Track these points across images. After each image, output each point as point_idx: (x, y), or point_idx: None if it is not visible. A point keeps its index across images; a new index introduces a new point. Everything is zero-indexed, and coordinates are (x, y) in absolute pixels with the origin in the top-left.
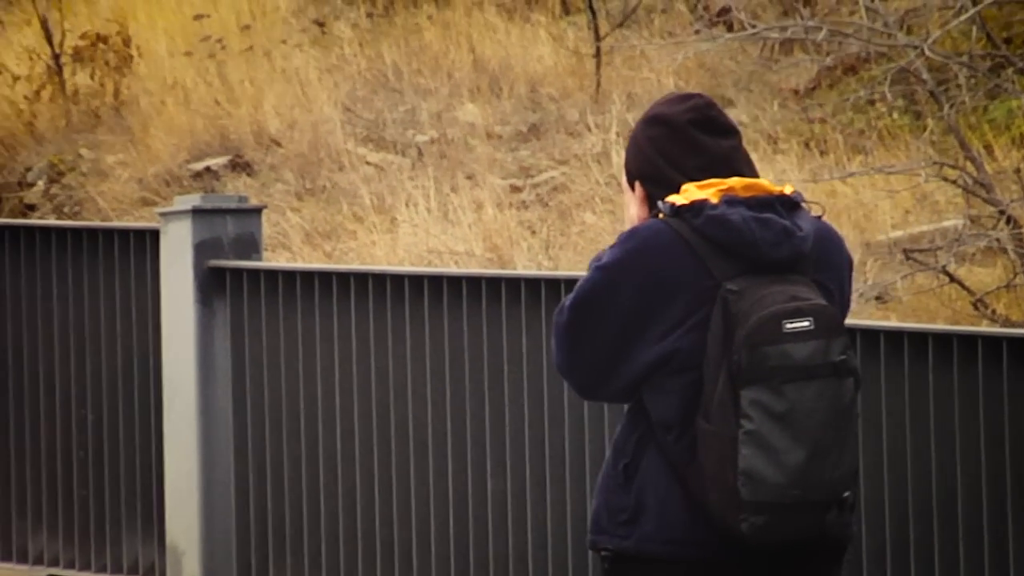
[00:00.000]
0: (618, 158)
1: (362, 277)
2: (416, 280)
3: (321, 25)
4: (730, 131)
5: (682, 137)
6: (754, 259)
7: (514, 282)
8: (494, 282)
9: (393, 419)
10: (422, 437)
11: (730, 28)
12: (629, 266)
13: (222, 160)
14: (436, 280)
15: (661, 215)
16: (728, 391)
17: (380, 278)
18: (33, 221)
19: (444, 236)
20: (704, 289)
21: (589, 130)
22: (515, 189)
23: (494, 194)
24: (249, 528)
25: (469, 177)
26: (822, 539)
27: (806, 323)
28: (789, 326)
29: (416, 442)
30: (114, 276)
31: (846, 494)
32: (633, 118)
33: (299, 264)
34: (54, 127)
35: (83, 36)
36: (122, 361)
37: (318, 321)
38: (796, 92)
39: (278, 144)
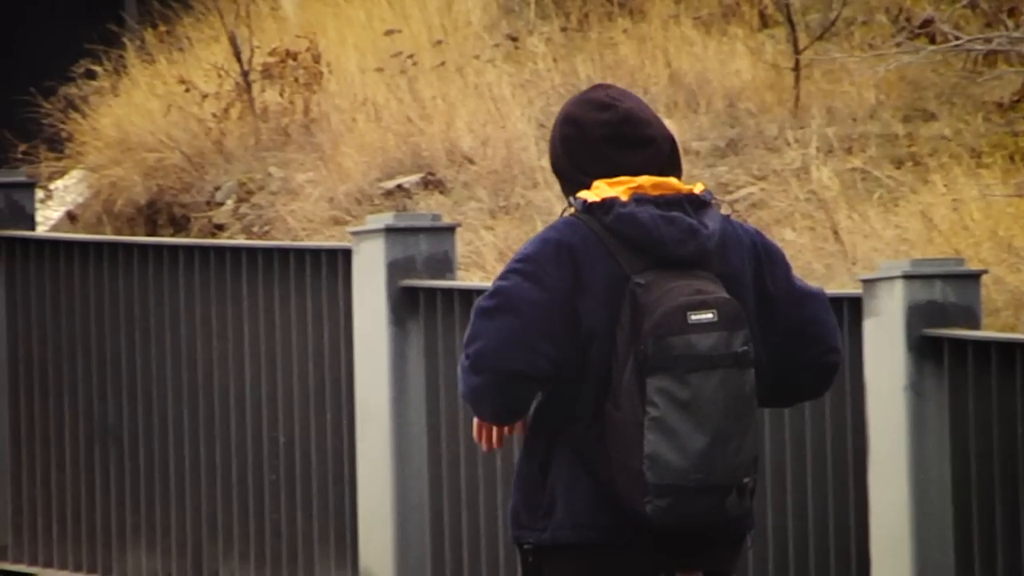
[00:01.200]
0: (818, 173)
1: None
2: None
3: (514, 40)
4: (645, 143)
5: (593, 149)
6: (661, 255)
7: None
8: None
9: None
10: None
11: (932, 40)
12: (551, 255)
13: (414, 178)
14: None
15: (573, 210)
16: (635, 379)
17: None
18: (223, 241)
19: None
20: (615, 281)
21: (788, 145)
22: None
23: None
24: (444, 553)
25: None
26: (723, 524)
27: (710, 315)
28: (694, 318)
29: None
30: (305, 297)
31: (746, 480)
32: (834, 132)
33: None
34: (243, 145)
35: (272, 53)
36: (314, 383)
37: None
38: (1000, 105)
39: (471, 161)
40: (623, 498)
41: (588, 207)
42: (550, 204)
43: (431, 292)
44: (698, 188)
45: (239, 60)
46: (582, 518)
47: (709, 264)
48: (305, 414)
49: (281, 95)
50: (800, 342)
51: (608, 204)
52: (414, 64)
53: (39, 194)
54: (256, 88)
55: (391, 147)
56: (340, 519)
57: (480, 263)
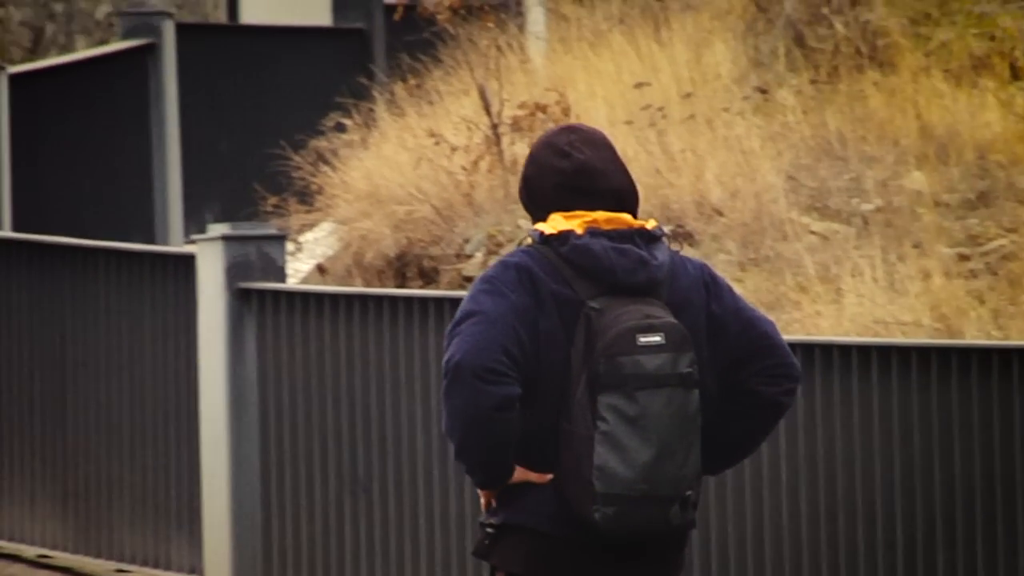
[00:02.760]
0: None
1: (808, 348)
2: (864, 351)
3: (764, 92)
4: (598, 195)
5: (549, 191)
6: (612, 283)
7: (964, 352)
8: (943, 352)
9: (841, 490)
10: (870, 510)
11: None
12: (511, 277)
13: (664, 230)
14: (884, 351)
15: (531, 241)
16: (587, 396)
17: (827, 349)
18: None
19: (891, 306)
20: (570, 305)
21: None
22: (963, 258)
23: (942, 263)
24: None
25: (916, 246)
26: (666, 532)
27: (657, 338)
28: (643, 340)
29: (865, 510)
30: None
31: (688, 492)
32: None
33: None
34: (492, 198)
35: (522, 106)
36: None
37: None
38: None
39: (720, 213)
40: (574, 505)
41: (545, 239)
42: (799, 256)
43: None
44: (650, 224)
45: (489, 113)
46: (538, 507)
47: (658, 292)
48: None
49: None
50: (751, 359)
51: (564, 236)
52: (663, 117)
53: (289, 247)
54: (506, 140)
55: (641, 199)
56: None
57: None
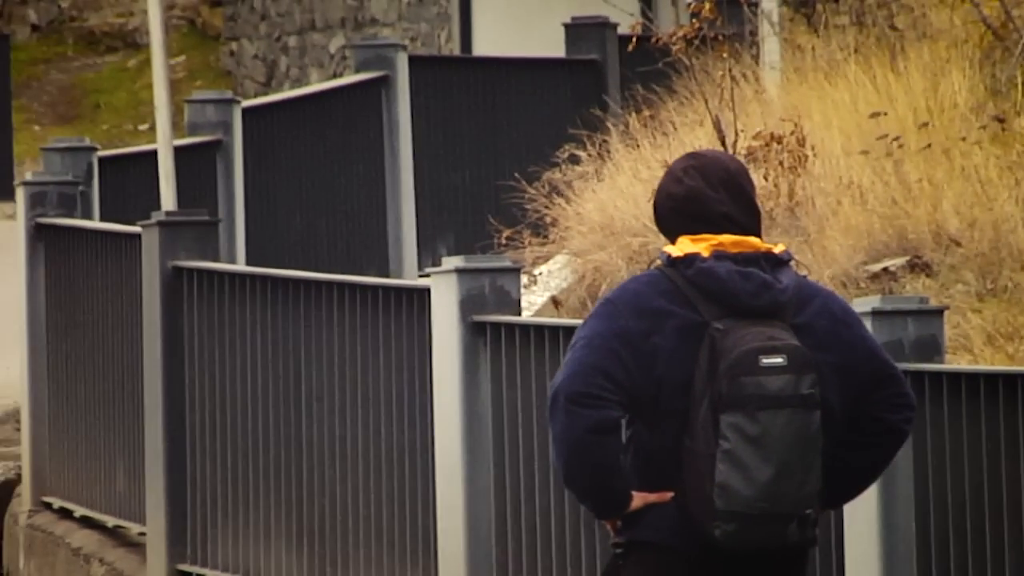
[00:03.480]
0: None
1: None
2: None
3: (1001, 121)
4: (708, 219)
5: (668, 215)
6: (736, 305)
7: None
8: None
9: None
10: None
11: None
12: (630, 300)
13: (900, 261)
14: None
15: (659, 263)
16: (710, 415)
17: None
18: None
19: None
20: (695, 327)
21: None
22: None
23: None
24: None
25: None
26: (784, 548)
27: (780, 359)
28: (765, 361)
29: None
30: None
31: (808, 511)
32: None
33: (980, 367)
34: None
35: (757, 136)
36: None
37: (999, 425)
38: None
39: (958, 244)
40: (695, 521)
41: (672, 261)
42: None
43: (918, 376)
44: (778, 248)
45: (724, 144)
46: (662, 522)
47: (783, 315)
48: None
49: (765, 178)
50: (875, 387)
51: (689, 259)
52: (900, 146)
53: (524, 279)
54: None
55: (876, 230)
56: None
57: (967, 346)
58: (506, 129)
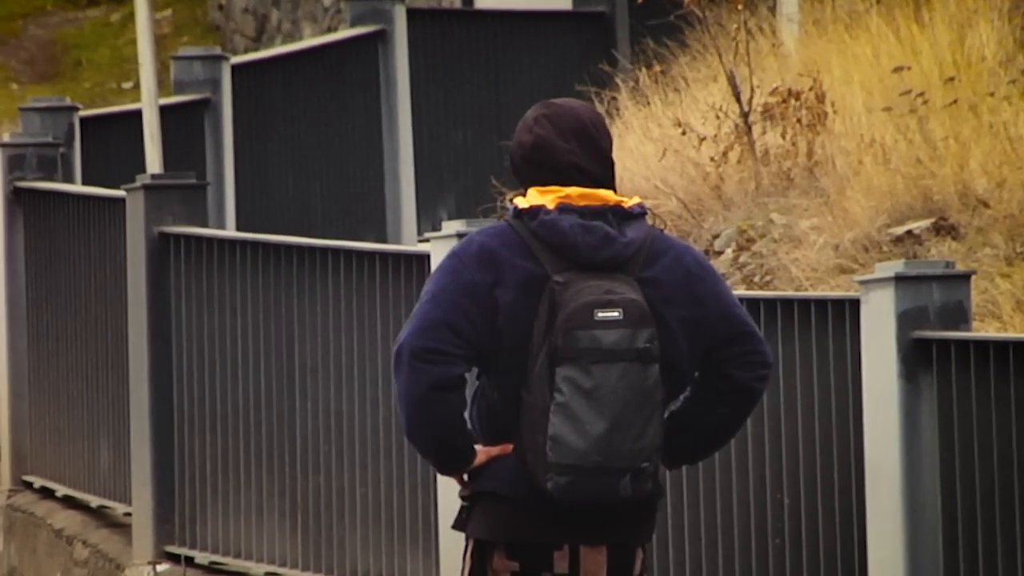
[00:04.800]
0: None
1: None
2: None
3: None
4: (557, 169)
5: (519, 163)
6: (577, 259)
7: None
8: None
9: None
10: None
11: None
12: (475, 252)
13: (925, 223)
14: None
15: (506, 216)
16: (546, 368)
17: None
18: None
19: None
20: (536, 279)
21: None
22: None
23: None
24: None
25: None
26: (616, 502)
27: (615, 313)
28: (600, 315)
29: None
30: (811, 350)
31: (644, 464)
32: None
33: (1009, 335)
34: (743, 191)
35: (773, 92)
36: (820, 440)
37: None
38: None
39: (986, 205)
40: (531, 474)
41: (518, 213)
42: None
43: (944, 344)
44: (630, 201)
45: (739, 101)
46: (499, 472)
47: (628, 269)
48: (811, 472)
49: (783, 137)
50: (727, 344)
51: (534, 211)
52: (924, 103)
53: None
54: (757, 130)
55: (900, 191)
56: None
57: (996, 313)
58: (510, 86)
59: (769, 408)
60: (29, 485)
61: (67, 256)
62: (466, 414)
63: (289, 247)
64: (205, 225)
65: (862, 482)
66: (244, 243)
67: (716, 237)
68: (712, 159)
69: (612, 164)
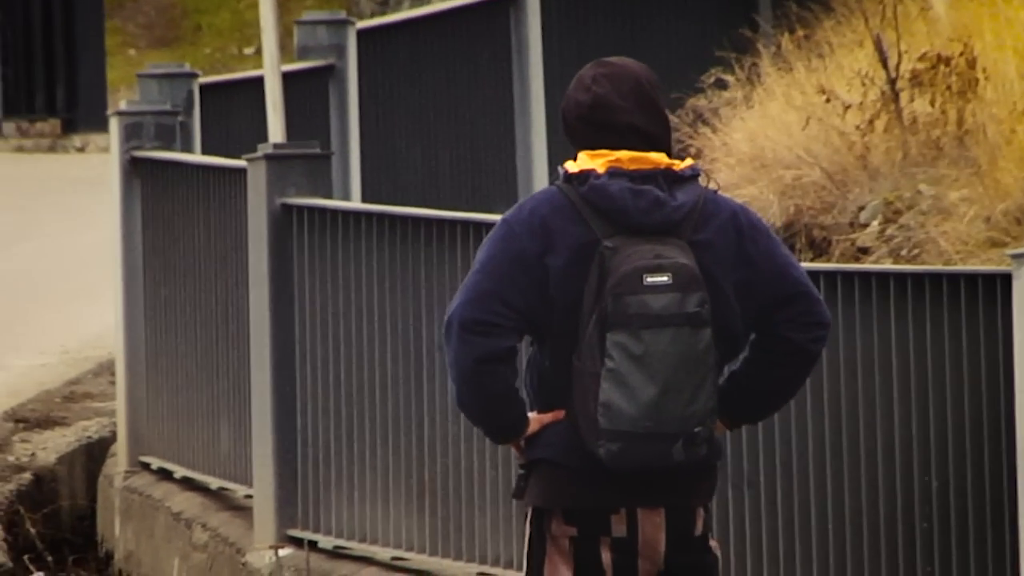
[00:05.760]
0: None
1: None
2: None
3: None
4: (615, 129)
5: (574, 124)
6: (627, 223)
7: None
8: None
9: None
10: None
11: None
12: (525, 219)
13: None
14: None
15: (558, 180)
16: (596, 334)
17: None
18: (868, 266)
19: None
20: (587, 245)
21: None
22: None
23: None
24: None
25: None
26: (670, 467)
27: (664, 278)
28: (649, 280)
29: None
30: (960, 326)
31: (697, 429)
32: None
33: None
34: (890, 160)
35: (922, 58)
36: (971, 420)
37: None
38: None
39: None
40: (584, 440)
41: (568, 177)
42: None
43: None
44: (682, 164)
45: (886, 67)
46: (553, 439)
47: (679, 232)
48: (959, 455)
49: (932, 104)
50: (781, 305)
51: (584, 176)
52: None
53: None
54: (904, 97)
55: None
56: (999, 571)
57: None
58: (646, 51)
59: (916, 388)
60: (146, 466)
61: (185, 229)
62: (519, 383)
63: (417, 219)
64: (329, 197)
65: (1013, 464)
66: (370, 215)
67: (861, 209)
68: (858, 127)
69: (669, 125)
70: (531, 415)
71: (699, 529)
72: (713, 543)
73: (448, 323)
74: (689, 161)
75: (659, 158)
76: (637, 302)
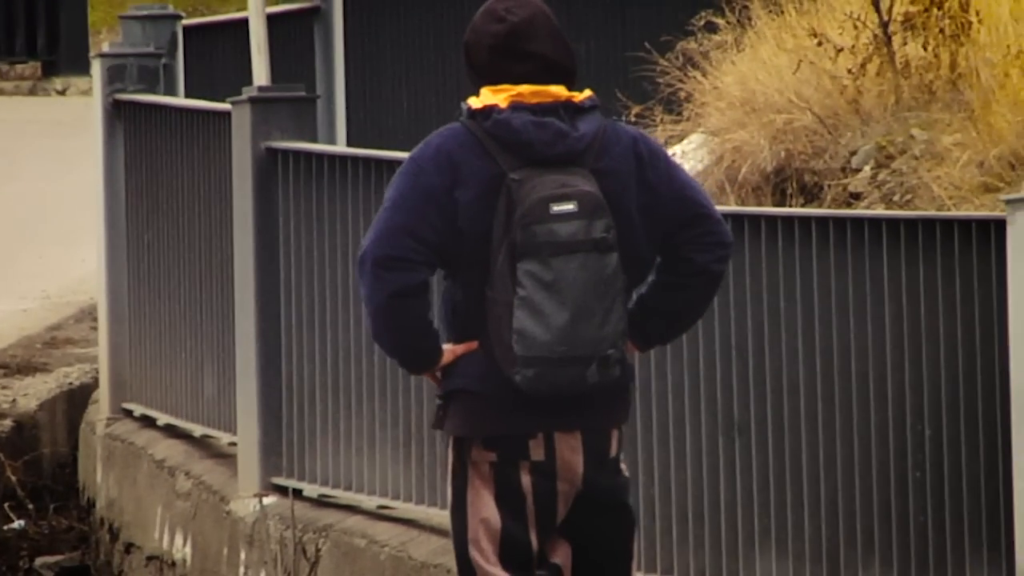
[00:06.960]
0: None
1: None
2: None
3: None
4: (528, 57)
5: (484, 57)
6: (531, 156)
7: None
8: None
9: None
10: None
11: None
12: (432, 155)
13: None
14: None
15: (462, 116)
16: (507, 264)
17: None
18: (859, 212)
19: None
20: (493, 178)
21: None
22: None
23: None
24: None
25: None
26: (585, 389)
27: (570, 206)
28: (555, 208)
29: None
30: (953, 273)
31: (610, 351)
32: None
33: None
34: (882, 105)
35: (915, 1)
36: (963, 368)
37: None
38: None
39: None
40: (499, 368)
41: (472, 113)
42: None
43: None
44: (580, 96)
45: (878, 10)
46: (468, 369)
47: (582, 162)
48: (953, 402)
49: (925, 48)
50: (683, 227)
51: (487, 111)
52: None
53: None
54: (896, 41)
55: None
56: (993, 519)
57: None
58: None
59: (909, 335)
60: (129, 413)
61: (169, 173)
62: (432, 315)
63: (400, 163)
64: (315, 140)
65: (1007, 411)
66: (356, 159)
67: (853, 154)
68: (849, 71)
69: (575, 56)
70: (445, 347)
71: (614, 450)
72: (623, 465)
73: (361, 259)
74: (588, 92)
75: (559, 91)
76: (545, 231)
